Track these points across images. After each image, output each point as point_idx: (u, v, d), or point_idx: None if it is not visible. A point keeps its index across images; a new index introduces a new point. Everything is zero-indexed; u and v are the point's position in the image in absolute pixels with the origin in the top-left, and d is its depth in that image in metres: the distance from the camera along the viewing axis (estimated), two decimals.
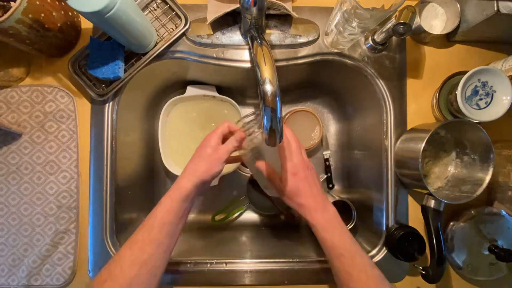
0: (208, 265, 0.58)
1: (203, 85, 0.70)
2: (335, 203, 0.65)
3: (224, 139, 0.49)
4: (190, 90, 0.70)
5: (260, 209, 0.73)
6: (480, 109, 0.54)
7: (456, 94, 0.51)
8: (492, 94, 0.54)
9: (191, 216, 0.75)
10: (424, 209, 0.55)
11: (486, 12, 0.51)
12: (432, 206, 0.53)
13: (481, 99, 0.54)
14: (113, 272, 0.39)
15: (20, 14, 0.42)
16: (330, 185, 0.76)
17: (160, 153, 0.67)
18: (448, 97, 0.56)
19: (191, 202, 0.45)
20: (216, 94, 0.69)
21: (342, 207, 0.64)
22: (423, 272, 0.53)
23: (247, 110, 0.78)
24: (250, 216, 0.76)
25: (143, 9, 0.56)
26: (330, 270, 0.57)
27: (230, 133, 0.49)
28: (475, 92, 0.54)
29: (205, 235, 0.71)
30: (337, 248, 0.45)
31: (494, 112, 0.53)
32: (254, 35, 0.50)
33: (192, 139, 0.73)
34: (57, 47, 0.53)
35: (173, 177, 0.74)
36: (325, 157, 0.76)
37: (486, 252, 0.55)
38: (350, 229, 0.62)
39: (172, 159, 0.70)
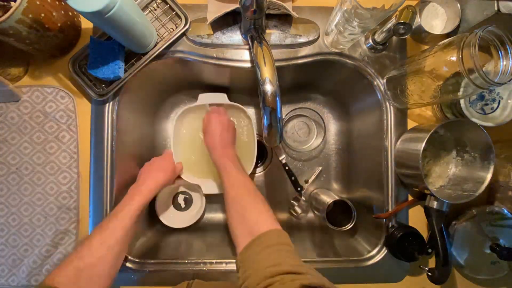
0: (208, 265, 0.58)
1: (214, 92, 0.70)
2: (335, 203, 0.65)
3: None
4: (201, 99, 0.69)
5: None
6: (485, 114, 0.54)
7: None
8: (499, 101, 0.54)
9: None
10: (427, 210, 0.55)
11: (486, 12, 0.51)
12: (435, 207, 0.53)
13: (487, 105, 0.54)
14: (81, 252, 0.43)
15: (20, 14, 0.42)
16: (299, 188, 0.74)
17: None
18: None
19: (149, 200, 0.55)
20: (226, 101, 0.69)
21: (342, 207, 0.64)
22: (429, 274, 0.53)
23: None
24: None
25: (143, 9, 0.56)
26: (330, 270, 0.57)
27: None
28: (481, 97, 0.54)
29: (205, 235, 0.71)
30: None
31: (501, 117, 0.54)
32: (254, 35, 0.50)
33: (199, 146, 0.71)
34: (57, 47, 0.53)
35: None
36: (282, 162, 0.74)
37: (488, 251, 0.55)
38: (349, 229, 0.62)
39: (186, 168, 0.69)
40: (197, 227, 0.74)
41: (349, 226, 0.63)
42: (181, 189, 0.75)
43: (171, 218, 0.71)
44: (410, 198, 0.59)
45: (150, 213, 0.72)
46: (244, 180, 0.51)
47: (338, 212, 0.66)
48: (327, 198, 0.66)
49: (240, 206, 0.47)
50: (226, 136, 0.61)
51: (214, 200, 0.76)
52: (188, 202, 0.75)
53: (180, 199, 0.75)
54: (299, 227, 0.75)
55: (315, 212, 0.74)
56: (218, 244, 0.68)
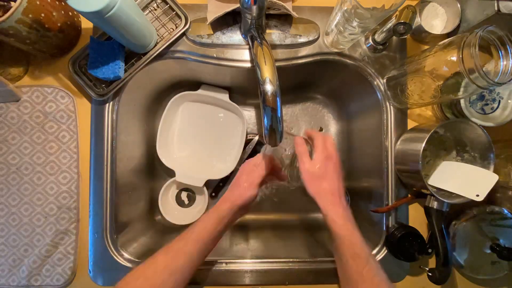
0: (208, 265, 0.58)
1: (216, 87, 0.71)
2: None
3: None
4: (203, 90, 0.70)
5: None
6: (485, 114, 0.54)
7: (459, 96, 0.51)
8: (499, 101, 0.54)
9: None
10: (427, 210, 0.55)
11: (486, 12, 0.51)
12: (435, 207, 0.53)
13: (487, 104, 0.54)
14: (147, 272, 0.42)
15: (20, 14, 0.42)
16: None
17: (156, 142, 0.68)
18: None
19: (226, 225, 0.49)
20: (227, 100, 0.70)
21: None
22: (430, 274, 0.53)
23: (247, 110, 0.78)
24: (250, 216, 0.76)
25: (143, 9, 0.56)
26: (330, 270, 0.57)
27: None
28: (481, 97, 0.54)
29: None
30: (354, 247, 0.44)
31: (501, 117, 0.54)
32: (254, 35, 0.50)
33: (190, 136, 0.73)
34: (57, 47, 0.53)
35: (173, 175, 0.73)
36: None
37: (488, 251, 0.55)
38: None
39: (166, 150, 0.70)
40: None
41: None
42: (184, 185, 0.75)
43: (175, 215, 0.71)
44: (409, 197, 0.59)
45: (151, 212, 0.72)
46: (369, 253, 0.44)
47: None
48: None
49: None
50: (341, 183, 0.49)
51: (216, 200, 0.76)
52: (192, 198, 0.75)
53: (184, 195, 0.75)
54: (299, 227, 0.75)
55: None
56: (219, 244, 0.67)
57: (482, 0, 0.51)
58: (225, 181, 0.76)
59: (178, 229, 0.71)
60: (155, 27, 0.55)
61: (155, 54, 0.55)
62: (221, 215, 0.48)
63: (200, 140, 0.74)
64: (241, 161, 0.73)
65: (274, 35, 0.57)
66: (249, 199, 0.50)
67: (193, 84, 0.71)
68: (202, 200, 0.73)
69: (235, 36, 0.57)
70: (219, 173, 0.70)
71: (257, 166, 0.52)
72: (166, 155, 0.69)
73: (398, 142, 0.58)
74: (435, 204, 0.53)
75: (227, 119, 0.73)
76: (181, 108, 0.72)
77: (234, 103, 0.69)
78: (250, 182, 0.51)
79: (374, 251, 0.58)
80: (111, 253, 0.56)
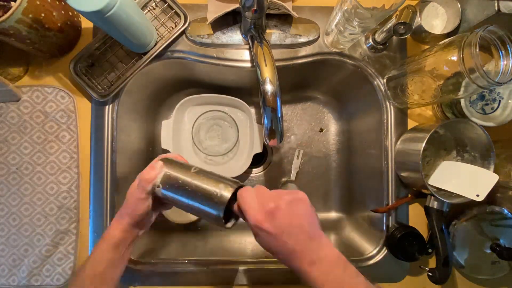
0: (208, 265, 0.58)
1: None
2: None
3: None
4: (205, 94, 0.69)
5: None
6: (485, 113, 0.54)
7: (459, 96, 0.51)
8: (500, 100, 0.54)
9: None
10: (427, 210, 0.55)
11: (486, 12, 0.51)
12: (435, 207, 0.53)
13: (487, 104, 0.54)
14: None
15: (20, 14, 0.42)
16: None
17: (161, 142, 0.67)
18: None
19: (126, 247, 0.42)
20: (230, 97, 0.68)
21: None
22: (430, 274, 0.53)
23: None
24: None
25: (142, 8, 0.56)
26: None
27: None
28: (481, 97, 0.54)
29: (205, 235, 0.71)
30: None
31: (501, 117, 0.54)
32: (254, 35, 0.50)
33: (200, 140, 0.72)
34: (57, 47, 0.53)
35: None
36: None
37: (488, 251, 0.55)
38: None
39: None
40: (198, 227, 0.74)
41: None
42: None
43: (174, 212, 0.64)
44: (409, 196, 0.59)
45: None
46: None
47: None
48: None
49: None
50: (308, 221, 0.38)
51: None
52: None
53: None
54: None
55: None
56: (219, 244, 0.68)
57: (482, 0, 0.51)
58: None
59: (178, 230, 0.71)
60: (154, 26, 0.55)
61: (155, 54, 0.55)
62: (113, 241, 0.41)
63: (211, 142, 0.73)
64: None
65: (274, 35, 0.57)
66: (143, 213, 0.41)
67: (193, 84, 0.71)
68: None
69: (235, 36, 0.57)
70: (234, 172, 0.69)
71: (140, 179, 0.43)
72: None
73: (398, 142, 0.58)
74: (435, 204, 0.53)
75: (233, 116, 0.71)
76: (186, 114, 0.72)
77: (239, 99, 0.68)
78: (140, 189, 0.41)
79: (374, 251, 0.59)
80: None
